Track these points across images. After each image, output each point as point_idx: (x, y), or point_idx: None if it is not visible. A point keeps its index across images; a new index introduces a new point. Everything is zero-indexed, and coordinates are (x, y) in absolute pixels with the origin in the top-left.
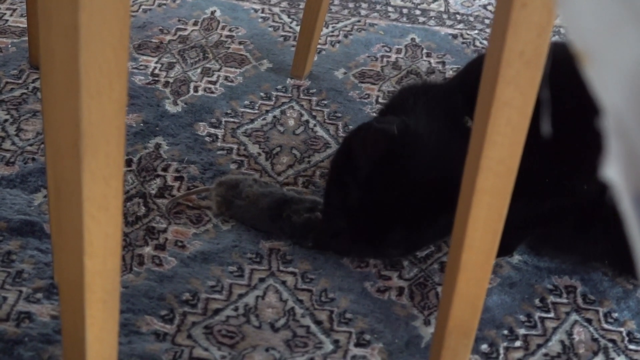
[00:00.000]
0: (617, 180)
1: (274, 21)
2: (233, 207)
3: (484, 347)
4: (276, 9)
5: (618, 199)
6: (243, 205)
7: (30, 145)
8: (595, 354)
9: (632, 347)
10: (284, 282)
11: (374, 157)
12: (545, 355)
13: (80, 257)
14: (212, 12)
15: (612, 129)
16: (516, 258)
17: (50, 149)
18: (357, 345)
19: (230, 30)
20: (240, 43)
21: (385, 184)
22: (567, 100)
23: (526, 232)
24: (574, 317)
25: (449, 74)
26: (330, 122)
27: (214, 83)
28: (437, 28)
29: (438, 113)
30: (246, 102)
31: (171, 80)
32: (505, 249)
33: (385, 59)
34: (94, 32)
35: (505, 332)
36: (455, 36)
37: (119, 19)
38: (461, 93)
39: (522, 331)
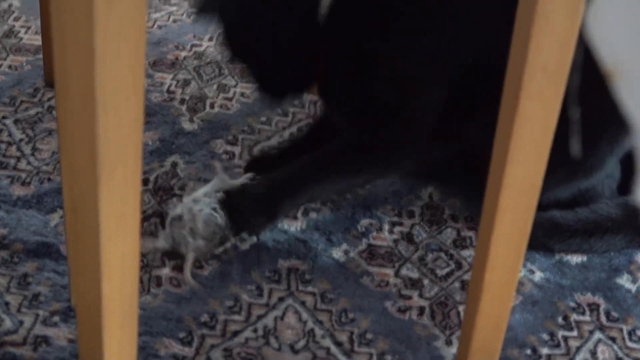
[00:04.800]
0: None
1: None
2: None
3: None
4: None
5: None
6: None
7: (46, 164)
8: None
9: None
10: (303, 303)
11: None
12: None
13: (97, 280)
14: None
15: None
16: (538, 275)
17: (66, 169)
18: None
19: None
20: None
21: None
22: None
23: None
24: (598, 335)
25: None
26: None
27: (230, 99)
28: None
29: None
30: (263, 119)
31: (187, 97)
32: None
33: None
34: (110, 50)
35: (528, 351)
36: None
37: (135, 36)
38: None
39: (545, 350)
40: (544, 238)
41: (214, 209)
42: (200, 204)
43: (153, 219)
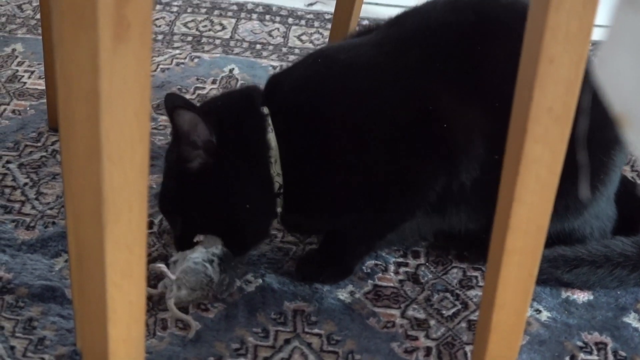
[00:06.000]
0: None
1: None
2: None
3: None
4: None
5: None
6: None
7: (51, 209)
8: None
9: None
10: (309, 344)
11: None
12: None
13: (104, 325)
14: (231, 70)
15: None
16: (544, 315)
17: (71, 216)
18: None
19: None
20: None
21: None
22: None
23: None
24: None
25: None
26: None
27: None
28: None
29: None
30: None
31: None
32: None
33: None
34: (115, 97)
35: None
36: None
37: (140, 82)
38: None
39: None
40: (550, 268)
41: (211, 262)
42: (196, 254)
43: (158, 263)
